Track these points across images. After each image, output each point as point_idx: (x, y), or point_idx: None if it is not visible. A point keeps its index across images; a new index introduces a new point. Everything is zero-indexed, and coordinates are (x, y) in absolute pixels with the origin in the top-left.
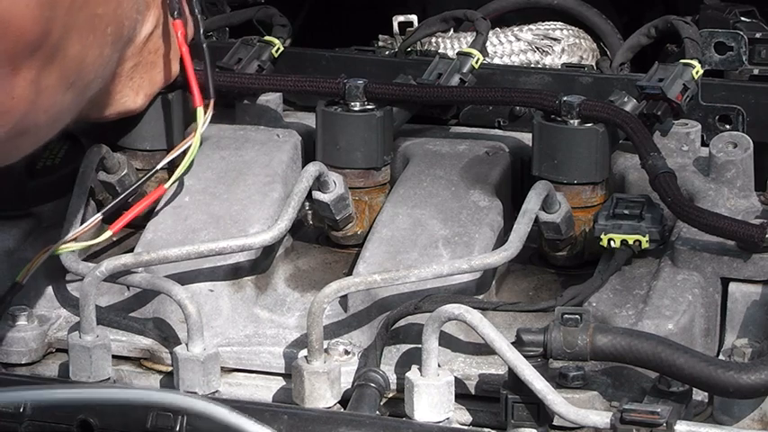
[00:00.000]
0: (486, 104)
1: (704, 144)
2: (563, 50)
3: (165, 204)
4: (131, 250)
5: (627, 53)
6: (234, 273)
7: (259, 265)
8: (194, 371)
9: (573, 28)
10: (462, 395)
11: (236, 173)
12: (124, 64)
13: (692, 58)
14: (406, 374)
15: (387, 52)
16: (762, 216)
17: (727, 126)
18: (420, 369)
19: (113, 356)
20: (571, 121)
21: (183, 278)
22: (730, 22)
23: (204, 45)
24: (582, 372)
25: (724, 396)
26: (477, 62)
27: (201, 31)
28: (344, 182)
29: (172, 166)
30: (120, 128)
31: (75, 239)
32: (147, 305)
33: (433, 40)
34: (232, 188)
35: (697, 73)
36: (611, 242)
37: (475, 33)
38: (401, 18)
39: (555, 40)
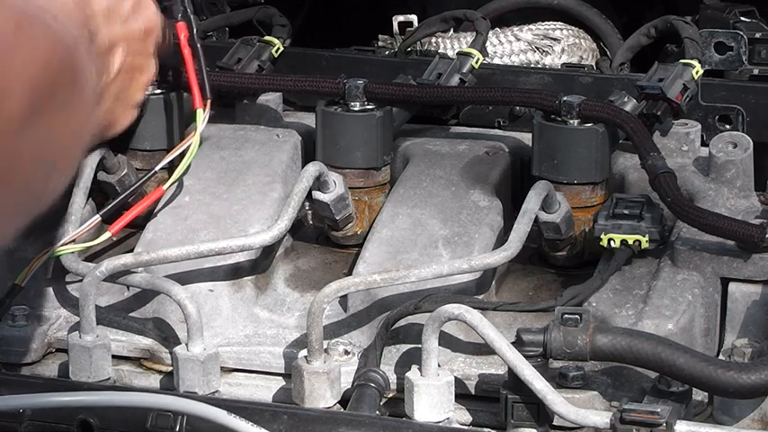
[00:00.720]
0: (486, 104)
1: (704, 144)
2: (563, 50)
3: (165, 204)
4: (131, 250)
5: (627, 53)
6: (234, 273)
7: (259, 265)
8: (194, 371)
9: (573, 28)
10: (462, 395)
11: (236, 173)
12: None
13: (691, 58)
14: (406, 374)
15: (387, 52)
16: (762, 216)
17: (727, 126)
18: (420, 369)
19: (113, 356)
20: (571, 121)
21: (183, 278)
22: (730, 21)
23: (199, 45)
24: (582, 372)
25: (724, 396)
26: (476, 62)
27: (195, 31)
28: (344, 182)
29: (171, 167)
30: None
31: (74, 240)
32: (146, 305)
33: (433, 40)
34: (232, 188)
35: (697, 73)
36: (611, 242)
37: (475, 33)
38: (401, 18)
39: (555, 40)
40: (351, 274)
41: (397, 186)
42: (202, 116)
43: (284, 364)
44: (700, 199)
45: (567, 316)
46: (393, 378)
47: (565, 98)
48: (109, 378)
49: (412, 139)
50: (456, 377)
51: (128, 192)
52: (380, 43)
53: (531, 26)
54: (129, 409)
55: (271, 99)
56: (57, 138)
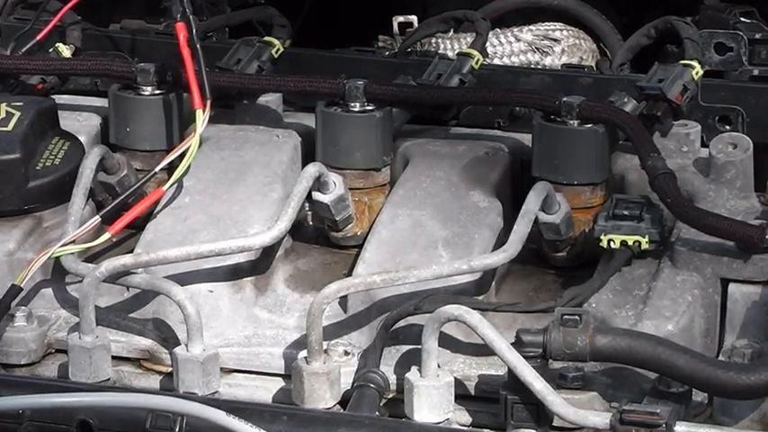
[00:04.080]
0: (486, 105)
1: (704, 145)
2: (563, 51)
3: (165, 205)
4: (131, 251)
5: (627, 54)
6: (233, 273)
7: (259, 265)
8: (194, 372)
9: (573, 29)
10: (462, 396)
11: (236, 173)
12: None
13: (691, 59)
14: (406, 375)
15: (387, 53)
16: (761, 217)
17: (727, 127)
18: (420, 370)
19: (113, 357)
20: (571, 122)
21: (183, 279)
22: (730, 22)
23: (198, 46)
24: (581, 372)
25: (723, 397)
26: (476, 63)
27: (194, 32)
28: (344, 182)
29: (171, 167)
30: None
31: (74, 241)
32: (146, 306)
33: (433, 40)
34: (232, 189)
35: (697, 74)
36: (611, 243)
37: (475, 34)
38: (401, 18)
39: (555, 40)
40: (350, 275)
41: (396, 187)
42: (202, 117)
43: (284, 364)
44: (700, 200)
45: (566, 317)
46: (393, 379)
47: (565, 99)
48: (108, 379)
49: (412, 140)
50: (456, 378)
51: (127, 192)
52: (380, 44)
53: (531, 27)
54: (128, 409)
55: (271, 100)
56: None
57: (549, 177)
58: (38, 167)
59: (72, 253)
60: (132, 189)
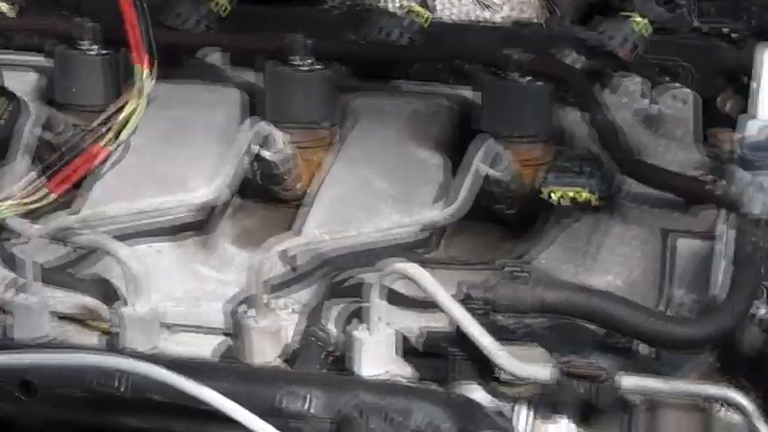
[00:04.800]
0: (434, 62)
1: (651, 100)
2: (512, 8)
3: (109, 164)
4: (73, 209)
5: (574, 9)
6: (177, 231)
7: (204, 223)
8: (137, 329)
9: None
10: (407, 351)
11: (181, 132)
12: None
13: (639, 14)
14: (350, 331)
15: (335, 8)
16: (705, 169)
17: (674, 82)
18: (364, 325)
19: (56, 315)
20: (518, 78)
21: (126, 237)
22: None
23: (144, 4)
24: (528, 327)
25: (666, 349)
26: (425, 20)
27: None
28: (289, 140)
29: (116, 126)
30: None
31: (15, 199)
32: (89, 264)
33: None
34: (176, 148)
35: (644, 29)
36: (555, 196)
37: None
38: None
39: None
40: (297, 232)
41: (344, 145)
42: (147, 75)
43: (228, 321)
44: (645, 154)
45: (514, 272)
46: (338, 335)
47: (512, 55)
48: (51, 337)
49: (359, 97)
50: (401, 333)
51: (69, 151)
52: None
53: None
54: (71, 367)
55: (215, 57)
56: None
57: (497, 133)
58: None
59: (13, 211)
60: (75, 147)
